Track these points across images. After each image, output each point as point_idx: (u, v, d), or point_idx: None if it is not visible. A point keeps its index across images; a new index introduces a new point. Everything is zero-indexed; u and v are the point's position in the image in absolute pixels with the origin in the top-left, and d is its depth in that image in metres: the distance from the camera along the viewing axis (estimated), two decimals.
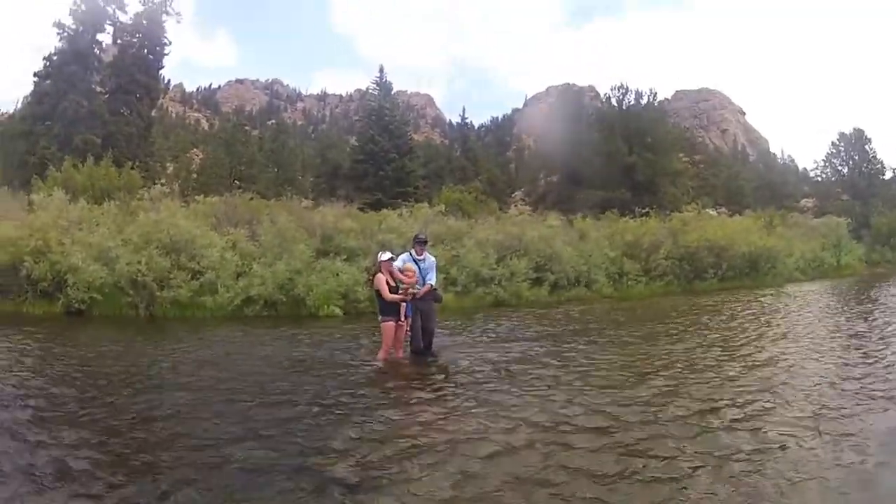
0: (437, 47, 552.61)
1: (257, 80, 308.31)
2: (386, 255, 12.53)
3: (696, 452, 7.06)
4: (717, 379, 10.84)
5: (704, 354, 13.42)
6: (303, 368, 12.15)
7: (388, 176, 67.89)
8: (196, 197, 28.76)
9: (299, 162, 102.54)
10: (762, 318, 20.17)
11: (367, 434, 7.94)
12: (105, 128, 55.39)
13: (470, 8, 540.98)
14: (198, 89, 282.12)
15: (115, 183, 33.42)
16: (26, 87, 63.66)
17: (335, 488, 6.24)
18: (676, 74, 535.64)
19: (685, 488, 6.15)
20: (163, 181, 34.31)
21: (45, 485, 6.20)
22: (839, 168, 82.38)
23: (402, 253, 13.66)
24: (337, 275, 21.14)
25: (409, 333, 12.96)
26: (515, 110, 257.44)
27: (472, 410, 8.97)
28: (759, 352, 13.78)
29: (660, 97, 76.40)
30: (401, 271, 12.59)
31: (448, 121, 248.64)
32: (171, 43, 62.21)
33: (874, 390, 9.86)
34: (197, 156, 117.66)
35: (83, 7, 56.47)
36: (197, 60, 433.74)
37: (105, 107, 57.41)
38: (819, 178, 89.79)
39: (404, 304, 12.43)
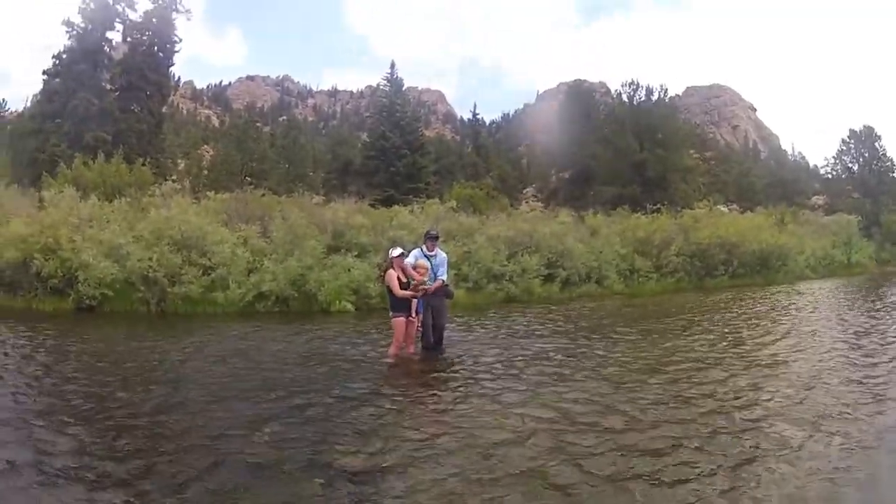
0: (448, 44, 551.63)
1: (268, 76, 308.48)
2: (397, 251, 12.47)
3: (707, 451, 7.03)
4: (728, 377, 10.73)
5: (717, 353, 13.33)
6: (314, 363, 12.15)
7: (400, 172, 67.66)
8: (207, 193, 28.75)
9: (310, 158, 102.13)
10: (774, 316, 20.09)
11: (377, 428, 7.97)
12: (115, 125, 55.27)
13: (481, 5, 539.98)
14: (208, 86, 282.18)
15: (126, 180, 33.44)
16: (35, 85, 63.64)
17: (344, 480, 6.27)
18: (687, 71, 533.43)
19: (697, 490, 6.10)
20: (174, 178, 34.18)
21: (58, 478, 6.20)
22: (849, 165, 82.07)
23: (413, 249, 13.62)
24: (348, 270, 21.14)
25: (420, 329, 12.94)
26: (527, 106, 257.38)
27: (481, 406, 8.97)
28: (771, 351, 13.68)
29: (671, 93, 76.20)
30: (413, 268, 12.55)
31: (459, 117, 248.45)
32: (181, 40, 62.18)
33: (884, 390, 9.81)
34: (208, 152, 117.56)
35: (92, 5, 56.41)
36: (207, 57, 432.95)
37: (115, 104, 57.28)
38: (830, 176, 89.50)
39: (415, 300, 12.41)
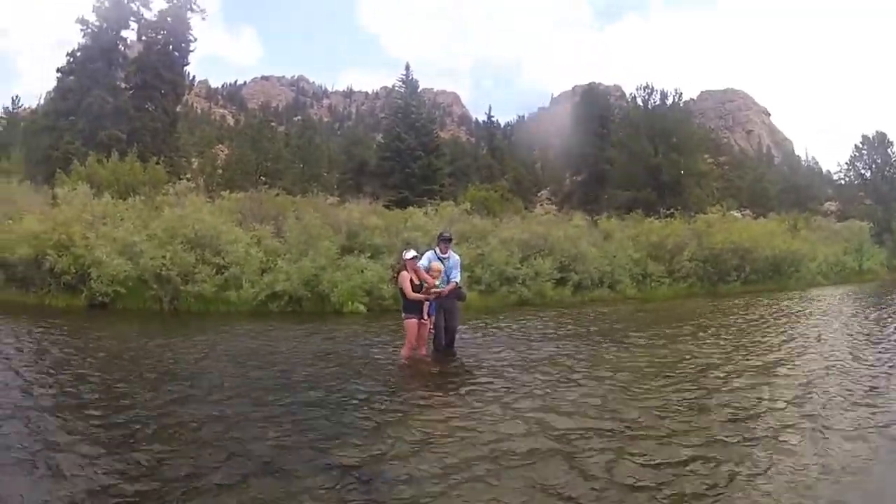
0: (463, 46, 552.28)
1: (283, 76, 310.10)
2: (410, 254, 12.48)
3: (720, 459, 7.00)
4: (739, 383, 10.68)
5: (730, 359, 13.23)
6: (325, 363, 12.21)
7: (415, 173, 67.63)
8: (221, 192, 28.82)
9: (325, 158, 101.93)
10: (786, 323, 19.99)
11: (385, 428, 8.04)
12: (130, 123, 55.42)
13: (496, 7, 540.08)
14: (223, 85, 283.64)
15: (140, 178, 33.58)
16: (49, 82, 63.85)
17: (351, 478, 6.35)
18: (702, 74, 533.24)
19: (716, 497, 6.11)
20: (188, 176, 34.24)
21: (68, 471, 6.29)
22: (862, 172, 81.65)
23: (426, 251, 13.63)
24: (362, 272, 21.11)
25: (432, 331, 12.95)
26: (542, 109, 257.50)
27: (491, 409, 8.97)
28: (784, 358, 13.59)
29: (685, 97, 75.89)
30: (427, 270, 12.56)
31: (475, 119, 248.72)
32: (196, 40, 62.32)
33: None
34: (222, 151, 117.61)
35: (106, 4, 56.56)
36: (222, 57, 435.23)
37: (130, 102, 57.47)
38: (842, 182, 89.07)
39: (428, 302, 12.44)
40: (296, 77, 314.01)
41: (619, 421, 8.38)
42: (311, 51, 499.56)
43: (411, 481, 6.33)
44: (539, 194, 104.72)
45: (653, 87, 66.40)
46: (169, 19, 59.56)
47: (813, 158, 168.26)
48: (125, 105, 56.42)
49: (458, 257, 13.62)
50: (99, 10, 56.46)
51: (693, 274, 30.42)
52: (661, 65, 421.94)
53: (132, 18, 58.40)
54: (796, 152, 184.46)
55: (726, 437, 7.69)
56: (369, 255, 22.42)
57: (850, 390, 10.16)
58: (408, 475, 6.48)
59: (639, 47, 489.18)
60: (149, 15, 59.16)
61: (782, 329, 18.26)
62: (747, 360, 13.03)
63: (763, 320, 20.35)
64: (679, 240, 31.46)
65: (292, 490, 6.07)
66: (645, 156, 60.60)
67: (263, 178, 68.95)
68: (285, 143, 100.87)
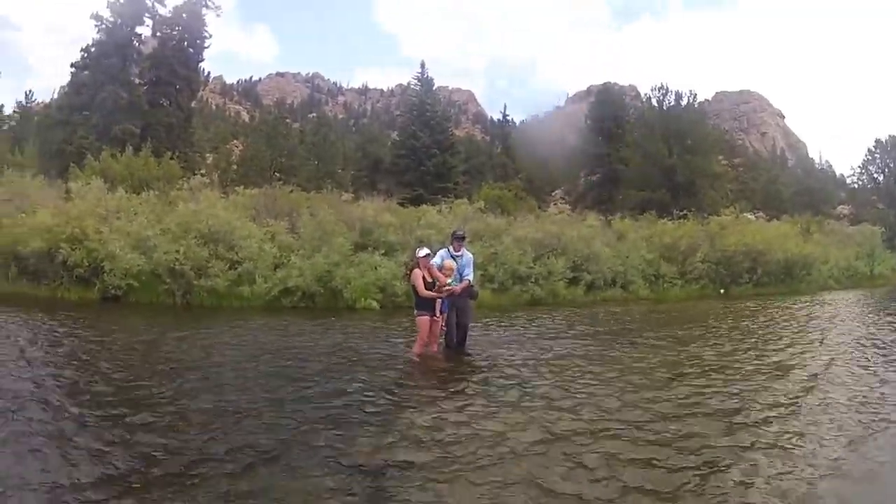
0: (479, 45, 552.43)
1: (298, 73, 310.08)
2: (423, 251, 12.49)
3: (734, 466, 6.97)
4: (751, 386, 10.66)
5: (741, 362, 13.18)
6: (336, 358, 12.25)
7: (429, 171, 67.74)
8: (236, 188, 28.90)
9: (340, 155, 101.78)
10: (798, 327, 19.89)
11: (394, 422, 8.12)
12: (144, 118, 55.81)
13: (512, 6, 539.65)
14: (238, 81, 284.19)
15: (154, 173, 33.68)
16: (63, 77, 64.07)
17: (357, 473, 6.38)
18: (717, 75, 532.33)
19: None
20: (202, 172, 34.31)
21: (79, 458, 6.36)
22: (875, 176, 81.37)
23: (440, 249, 13.66)
24: (375, 268, 21.19)
25: (444, 329, 12.99)
26: (557, 108, 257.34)
27: (499, 407, 8.96)
28: (795, 360, 13.47)
29: (700, 98, 75.75)
30: (440, 268, 12.58)
31: (489, 117, 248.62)
32: (210, 36, 62.60)
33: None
34: (237, 147, 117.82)
35: (121, 0, 56.81)
36: (237, 53, 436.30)
37: (144, 98, 57.89)
38: (855, 185, 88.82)
39: (440, 299, 12.47)
40: (311, 74, 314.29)
41: (625, 421, 8.30)
42: (326, 49, 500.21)
43: (418, 474, 6.37)
44: (553, 193, 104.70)
45: (668, 88, 66.44)
46: (184, 15, 59.86)
47: (827, 162, 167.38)
48: (139, 100, 56.82)
49: (471, 255, 13.65)
50: (114, 6, 56.71)
51: (705, 276, 30.35)
52: (676, 65, 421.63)
53: (147, 14, 58.68)
54: (810, 155, 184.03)
55: (733, 440, 7.60)
56: (383, 252, 22.49)
57: (858, 395, 10.07)
58: (414, 468, 6.52)
59: (655, 47, 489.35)
60: (163, 11, 59.53)
61: (793, 333, 18.14)
62: (758, 363, 12.90)
63: (774, 323, 20.26)
64: (692, 241, 31.40)
65: (300, 480, 6.14)
66: (659, 156, 60.52)
67: (278, 175, 69.09)
68: (300, 139, 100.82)
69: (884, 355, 14.06)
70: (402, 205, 36.36)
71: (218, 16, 62.99)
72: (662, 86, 66.79)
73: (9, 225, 21.46)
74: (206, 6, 60.82)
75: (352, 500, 5.82)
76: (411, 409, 8.78)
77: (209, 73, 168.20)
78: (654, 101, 68.23)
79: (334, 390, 9.59)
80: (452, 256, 13.01)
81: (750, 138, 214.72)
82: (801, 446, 7.39)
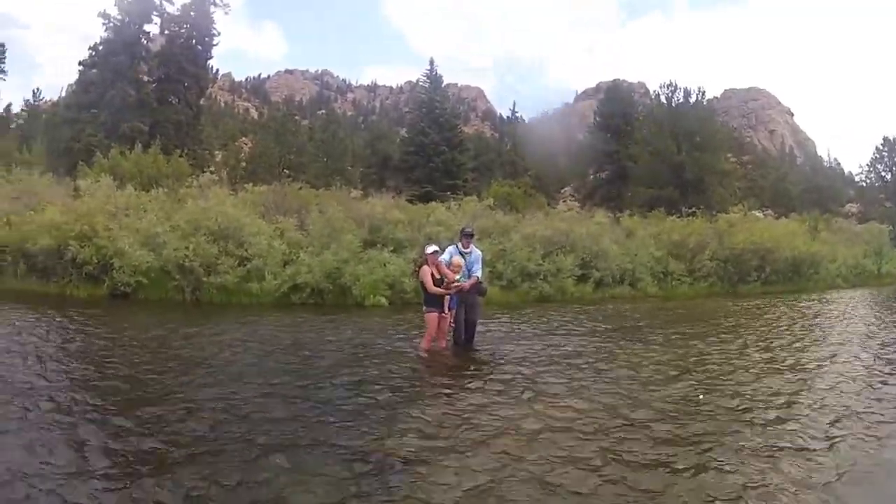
0: (488, 42, 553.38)
1: (307, 70, 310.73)
2: (431, 248, 12.59)
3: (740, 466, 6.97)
4: (759, 386, 10.63)
5: (749, 360, 13.20)
6: (344, 354, 12.35)
7: (438, 168, 67.88)
8: (245, 185, 29.01)
9: (349, 152, 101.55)
10: (807, 325, 19.83)
11: (399, 416, 8.22)
12: (153, 116, 55.95)
13: (521, 4, 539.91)
14: (247, 79, 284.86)
15: (163, 170, 33.75)
16: (71, 75, 64.31)
17: (363, 462, 6.53)
18: (726, 72, 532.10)
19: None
20: (211, 169, 34.46)
21: (93, 449, 6.47)
22: (882, 174, 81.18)
23: (448, 245, 13.71)
24: (384, 265, 21.25)
25: (452, 325, 13.06)
26: (566, 105, 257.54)
27: (504, 402, 9.03)
28: (806, 358, 13.47)
29: (709, 95, 75.47)
30: (449, 264, 12.64)
31: (499, 114, 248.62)
32: (219, 34, 62.80)
33: None
34: (246, 144, 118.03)
35: None
36: (246, 51, 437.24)
37: (153, 95, 58.00)
38: (864, 184, 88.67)
39: (448, 296, 12.52)
40: (320, 71, 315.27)
41: (631, 419, 8.32)
42: (335, 46, 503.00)
43: (421, 467, 6.46)
44: (562, 190, 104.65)
45: (676, 85, 66.10)
46: (192, 13, 60.03)
47: (835, 159, 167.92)
48: (148, 98, 56.92)
49: (479, 252, 13.69)
50: (121, 4, 56.91)
51: (714, 273, 30.30)
52: (685, 62, 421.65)
53: (155, 12, 58.90)
54: (818, 153, 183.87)
55: (740, 440, 7.59)
56: (392, 248, 22.54)
57: (864, 395, 10.09)
58: (417, 461, 6.61)
59: (664, 45, 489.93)
60: (171, 9, 59.76)
61: (801, 331, 18.12)
62: (766, 362, 12.90)
63: (783, 321, 20.21)
64: (700, 239, 31.34)
65: (307, 471, 6.25)
66: (668, 154, 60.29)
67: (287, 172, 69.36)
68: (309, 136, 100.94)
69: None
70: (410, 202, 36.55)
71: (226, 13, 63.10)
72: (671, 83, 66.52)
73: (17, 222, 21.52)
74: (215, 4, 61.09)
75: (356, 489, 5.92)
76: (418, 403, 8.90)
77: (218, 70, 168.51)
78: (662, 99, 67.95)
79: (341, 384, 9.75)
80: (461, 253, 13.06)
81: (758, 136, 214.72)
82: (808, 448, 7.37)
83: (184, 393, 8.94)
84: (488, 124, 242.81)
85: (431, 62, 76.36)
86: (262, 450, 6.70)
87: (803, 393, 10.01)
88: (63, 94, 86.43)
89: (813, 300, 27.32)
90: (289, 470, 6.23)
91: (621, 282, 27.53)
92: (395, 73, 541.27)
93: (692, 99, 65.41)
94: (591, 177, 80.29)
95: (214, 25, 61.79)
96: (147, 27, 59.11)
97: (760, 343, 15.35)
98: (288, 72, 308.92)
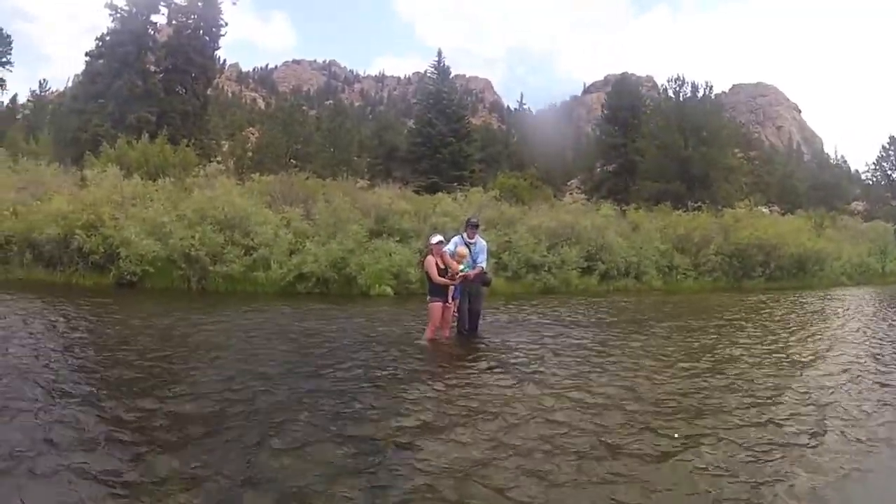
0: (497, 33, 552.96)
1: (314, 60, 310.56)
2: (436, 238, 12.57)
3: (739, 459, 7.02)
4: (764, 382, 10.56)
5: (755, 355, 13.23)
6: (348, 342, 12.40)
7: (445, 159, 67.87)
8: (251, 175, 29.07)
9: (356, 143, 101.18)
10: (810, 322, 19.76)
11: (401, 404, 8.20)
12: (160, 106, 55.92)
13: None
14: (254, 69, 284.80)
15: (170, 160, 33.78)
16: (77, 66, 64.31)
17: (368, 449, 6.52)
18: (734, 67, 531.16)
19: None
20: (218, 159, 34.45)
21: (99, 446, 6.35)
22: (889, 172, 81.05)
23: (454, 236, 13.77)
24: (390, 255, 21.35)
25: (455, 315, 13.11)
26: (573, 97, 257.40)
27: (505, 390, 9.04)
28: (809, 354, 13.52)
29: (716, 90, 75.40)
30: (454, 254, 12.68)
31: (506, 106, 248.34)
32: (226, 24, 62.67)
33: None
34: (253, 134, 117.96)
35: None
36: (254, 41, 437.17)
37: (160, 86, 57.91)
38: (870, 182, 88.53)
39: (453, 287, 12.58)
40: (327, 61, 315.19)
41: (628, 411, 8.30)
42: (343, 36, 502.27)
43: (419, 452, 6.49)
44: (569, 183, 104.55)
45: (684, 79, 66.09)
46: (199, 3, 59.87)
47: (842, 157, 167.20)
48: (155, 88, 56.83)
49: (484, 243, 13.72)
50: None
51: (718, 268, 30.35)
52: (693, 57, 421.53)
53: (162, 3, 58.69)
54: (825, 150, 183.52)
55: (741, 436, 7.60)
56: (398, 239, 22.66)
57: (868, 393, 10.09)
58: (415, 446, 6.65)
59: (672, 39, 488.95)
60: (179, 0, 59.45)
61: (806, 328, 18.12)
62: (771, 357, 12.86)
63: (787, 317, 20.20)
64: (706, 233, 31.46)
65: (310, 453, 6.31)
66: (675, 148, 60.26)
67: (294, 162, 69.38)
68: (316, 126, 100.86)
69: None
70: (417, 192, 36.54)
71: (234, 3, 63.34)
72: (679, 77, 66.55)
73: (24, 212, 21.57)
74: None
75: (356, 469, 5.99)
76: (419, 390, 8.90)
77: (225, 60, 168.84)
78: (670, 93, 67.96)
79: (344, 372, 9.74)
80: (466, 244, 13.10)
81: (766, 131, 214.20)
82: (815, 445, 7.37)
83: (190, 378, 9.00)
84: (496, 116, 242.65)
85: (439, 53, 76.68)
86: (265, 432, 6.75)
87: (812, 392, 9.96)
88: (70, 84, 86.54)
89: (817, 297, 27.23)
90: (289, 452, 6.27)
91: (626, 274, 27.67)
92: (403, 63, 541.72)
93: (700, 93, 65.42)
94: (598, 170, 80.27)
95: (222, 16, 61.68)
96: (154, 18, 59.03)
97: (764, 338, 15.31)
98: (295, 62, 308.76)
